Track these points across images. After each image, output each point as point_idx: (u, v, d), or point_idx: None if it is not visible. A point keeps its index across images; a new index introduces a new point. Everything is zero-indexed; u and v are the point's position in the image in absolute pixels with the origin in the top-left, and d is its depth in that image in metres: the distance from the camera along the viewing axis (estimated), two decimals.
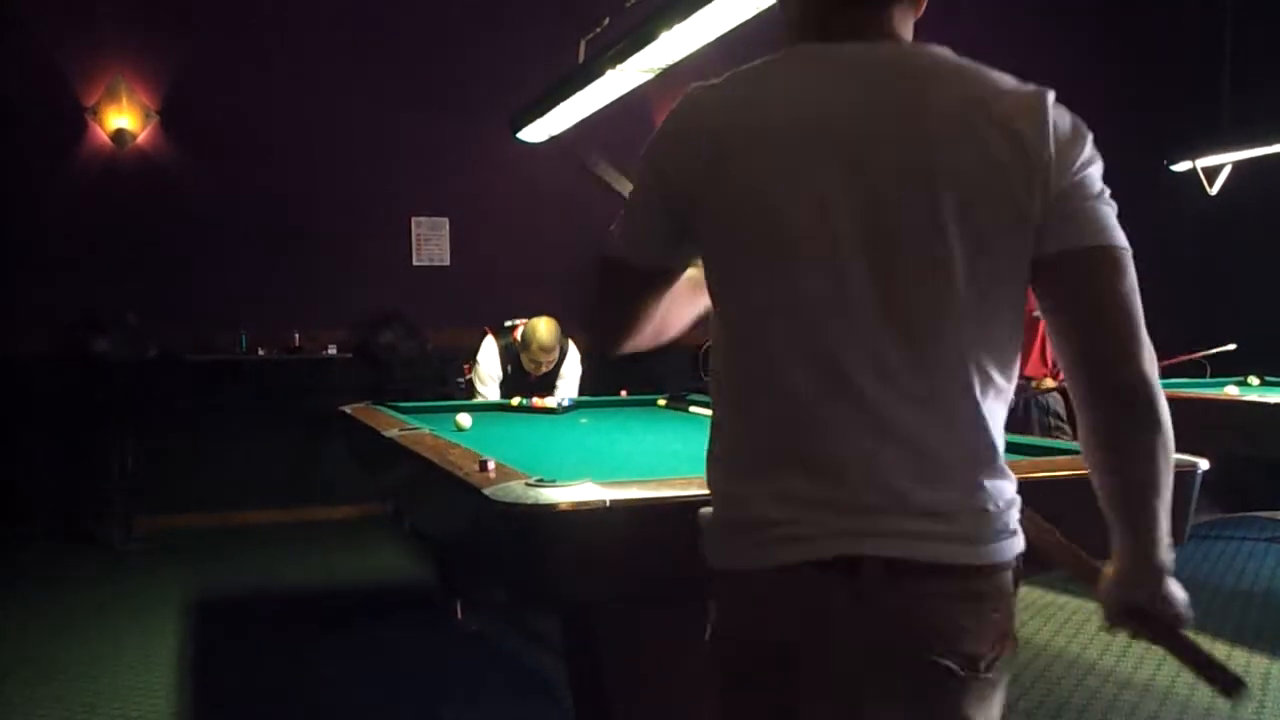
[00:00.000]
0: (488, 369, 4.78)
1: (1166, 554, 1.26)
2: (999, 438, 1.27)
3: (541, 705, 3.55)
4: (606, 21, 4.30)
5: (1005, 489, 1.26)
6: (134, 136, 6.53)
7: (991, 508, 1.23)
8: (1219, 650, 3.99)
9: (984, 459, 1.24)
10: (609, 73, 3.95)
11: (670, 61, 3.75)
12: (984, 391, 1.24)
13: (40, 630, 4.52)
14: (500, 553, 2.12)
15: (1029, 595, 4.77)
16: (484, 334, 4.97)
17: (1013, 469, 1.29)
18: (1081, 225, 1.23)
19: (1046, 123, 1.22)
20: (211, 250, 6.68)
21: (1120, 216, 1.27)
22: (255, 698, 3.74)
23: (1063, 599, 4.72)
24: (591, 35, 4.47)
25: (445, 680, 3.83)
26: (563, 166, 6.65)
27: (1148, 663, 3.88)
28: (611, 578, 1.99)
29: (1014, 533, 1.27)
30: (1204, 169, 6.07)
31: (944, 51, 1.29)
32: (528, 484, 2.11)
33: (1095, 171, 1.26)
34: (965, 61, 1.28)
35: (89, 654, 4.16)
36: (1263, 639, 4.11)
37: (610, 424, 4.02)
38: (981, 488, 1.23)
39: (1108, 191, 1.26)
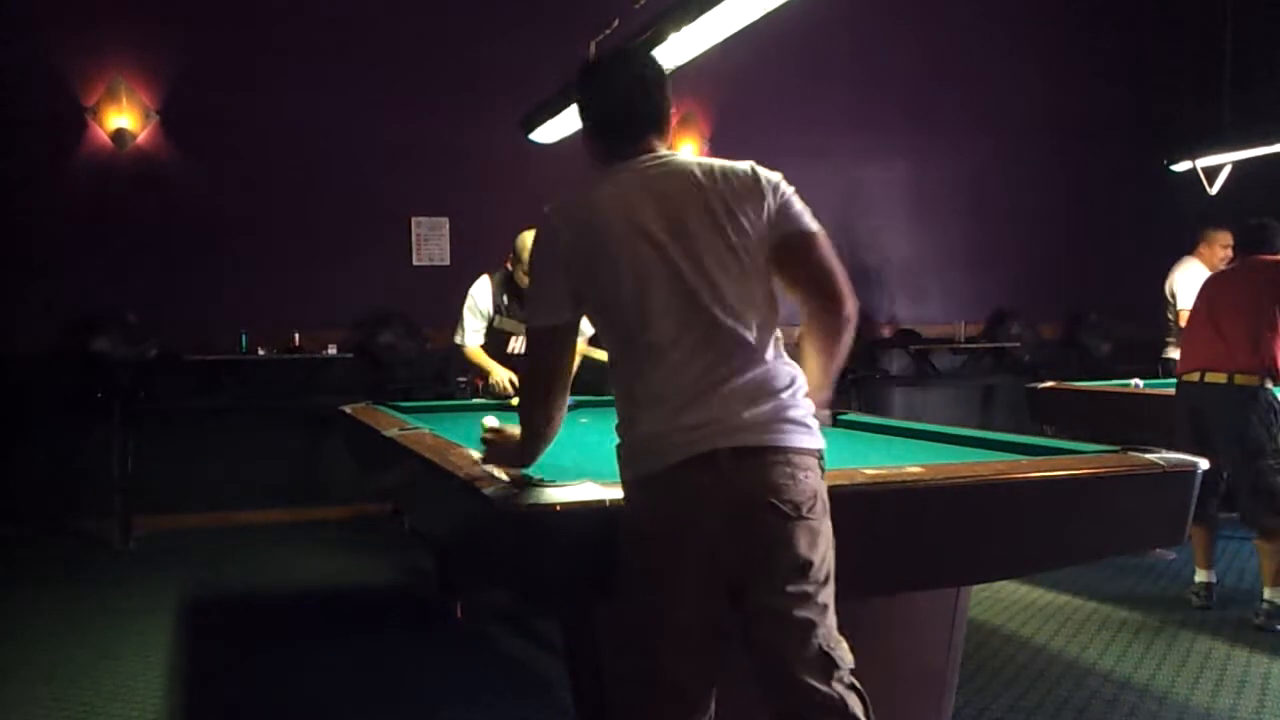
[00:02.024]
0: (482, 304, 4.68)
1: (831, 388, 2.11)
2: (788, 376, 1.96)
3: (541, 705, 3.55)
4: (616, 23, 4.29)
5: (799, 403, 1.95)
6: (134, 136, 6.53)
7: (791, 414, 1.92)
8: (1219, 649, 3.99)
9: (781, 389, 1.93)
10: None
11: (678, 63, 3.75)
12: (774, 348, 1.97)
13: (40, 630, 4.52)
14: (500, 552, 2.12)
15: (1029, 595, 4.78)
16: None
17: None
18: (792, 220, 2.04)
19: (759, 172, 2.05)
20: (211, 250, 6.67)
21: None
22: (254, 697, 3.74)
23: (1062, 599, 4.72)
24: (601, 37, 4.48)
25: (445, 680, 3.83)
26: (564, 167, 6.66)
27: (1148, 662, 3.88)
28: (611, 577, 1.99)
29: (809, 430, 1.94)
30: (1204, 169, 6.06)
31: (685, 154, 2.14)
32: (528, 484, 2.11)
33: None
34: (696, 156, 2.10)
35: (89, 654, 4.16)
36: (1263, 638, 4.11)
37: (610, 424, 4.01)
38: (783, 403, 1.92)
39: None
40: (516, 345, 4.67)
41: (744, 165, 2.04)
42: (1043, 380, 6.19)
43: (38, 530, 6.34)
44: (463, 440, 2.99)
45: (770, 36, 4.86)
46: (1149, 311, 8.25)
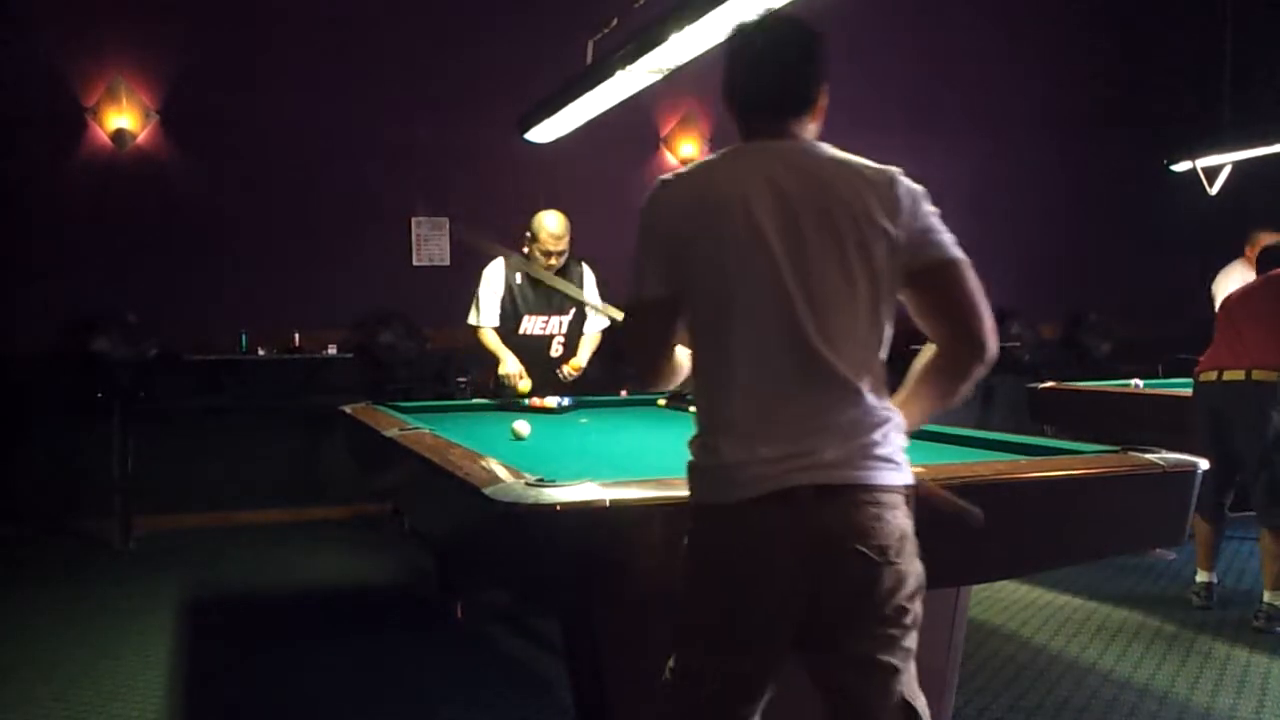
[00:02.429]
0: (495, 281, 4.68)
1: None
2: (884, 418, 1.77)
3: (541, 705, 3.55)
4: (615, 22, 4.30)
5: (889, 441, 1.77)
6: (134, 136, 6.53)
7: (878, 452, 1.74)
8: (1219, 649, 4.00)
9: (870, 426, 1.75)
10: (619, 73, 3.95)
11: (679, 62, 3.76)
12: (874, 388, 1.77)
13: (40, 630, 4.52)
14: (500, 553, 2.12)
15: (1029, 595, 4.78)
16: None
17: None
18: (934, 246, 1.82)
19: (897, 182, 1.81)
20: (211, 250, 6.67)
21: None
22: (254, 697, 3.74)
23: (1062, 599, 4.72)
24: (599, 36, 4.48)
25: (445, 680, 3.83)
26: (563, 167, 6.67)
27: (1148, 662, 3.88)
28: (612, 578, 1.99)
29: (898, 467, 1.77)
30: (1204, 169, 6.06)
31: (826, 146, 1.85)
32: (528, 484, 2.10)
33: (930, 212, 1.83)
34: (836, 151, 1.85)
35: (89, 654, 4.16)
36: (1262, 639, 4.12)
37: (610, 424, 4.02)
38: (871, 441, 1.74)
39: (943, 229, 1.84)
40: (529, 326, 4.67)
41: (886, 174, 1.81)
42: (1043, 380, 6.20)
43: (38, 530, 6.34)
44: (463, 440, 2.99)
45: None
46: (1149, 311, 8.29)
